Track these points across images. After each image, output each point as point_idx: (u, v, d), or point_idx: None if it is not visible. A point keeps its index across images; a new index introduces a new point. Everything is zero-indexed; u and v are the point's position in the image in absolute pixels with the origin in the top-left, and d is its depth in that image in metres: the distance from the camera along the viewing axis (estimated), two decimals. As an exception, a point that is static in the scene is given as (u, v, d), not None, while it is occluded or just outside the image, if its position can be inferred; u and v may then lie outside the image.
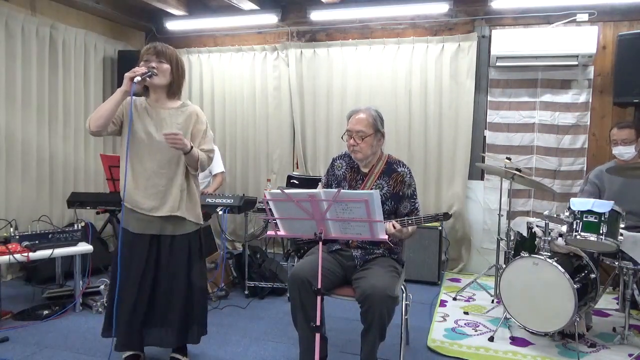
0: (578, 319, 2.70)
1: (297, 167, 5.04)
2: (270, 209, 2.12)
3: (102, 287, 3.42)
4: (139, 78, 2.20)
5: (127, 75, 2.21)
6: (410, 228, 2.38)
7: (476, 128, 4.46)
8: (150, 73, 2.26)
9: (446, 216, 2.28)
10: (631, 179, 3.03)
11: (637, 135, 3.19)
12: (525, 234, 3.23)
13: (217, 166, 4.19)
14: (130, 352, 2.49)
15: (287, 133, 5.05)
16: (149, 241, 2.38)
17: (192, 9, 5.02)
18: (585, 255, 3.01)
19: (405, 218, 2.36)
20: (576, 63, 4.05)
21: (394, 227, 2.25)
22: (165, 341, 2.45)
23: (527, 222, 3.23)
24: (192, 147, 2.30)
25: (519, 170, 3.43)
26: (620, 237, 2.72)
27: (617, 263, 2.93)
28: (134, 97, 2.35)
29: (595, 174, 3.36)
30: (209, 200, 3.59)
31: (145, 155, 2.35)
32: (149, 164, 2.35)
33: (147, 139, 2.35)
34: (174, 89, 2.40)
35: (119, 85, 5.41)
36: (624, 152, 3.19)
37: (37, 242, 3.19)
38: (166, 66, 2.33)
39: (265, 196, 2.10)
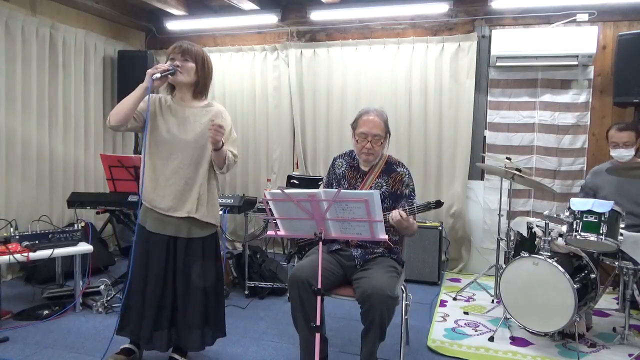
0: (578, 319, 2.70)
1: (297, 167, 5.04)
2: (270, 209, 2.12)
3: (102, 287, 3.42)
4: (157, 75, 2.18)
5: (149, 71, 2.21)
6: (415, 224, 2.38)
7: (476, 128, 4.46)
8: (172, 70, 2.24)
9: (438, 204, 2.28)
10: (625, 180, 3.03)
11: (637, 137, 3.15)
12: (525, 234, 3.23)
13: None
14: (126, 346, 2.49)
15: (287, 133, 5.05)
16: (167, 242, 2.36)
17: (192, 9, 5.02)
18: (585, 255, 3.01)
19: (400, 209, 2.36)
20: (576, 63, 4.05)
21: (401, 216, 2.23)
22: (185, 344, 2.42)
23: (527, 222, 3.23)
24: (223, 144, 2.27)
25: (519, 170, 3.42)
26: (620, 237, 2.72)
27: (617, 263, 2.93)
28: (158, 95, 2.35)
29: (589, 178, 3.38)
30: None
31: (167, 153, 2.33)
32: (170, 162, 2.33)
33: (170, 137, 2.33)
34: (199, 88, 2.38)
35: (119, 85, 5.39)
36: (625, 154, 3.15)
37: (37, 242, 3.19)
38: (191, 64, 2.30)
39: (265, 196, 2.10)
